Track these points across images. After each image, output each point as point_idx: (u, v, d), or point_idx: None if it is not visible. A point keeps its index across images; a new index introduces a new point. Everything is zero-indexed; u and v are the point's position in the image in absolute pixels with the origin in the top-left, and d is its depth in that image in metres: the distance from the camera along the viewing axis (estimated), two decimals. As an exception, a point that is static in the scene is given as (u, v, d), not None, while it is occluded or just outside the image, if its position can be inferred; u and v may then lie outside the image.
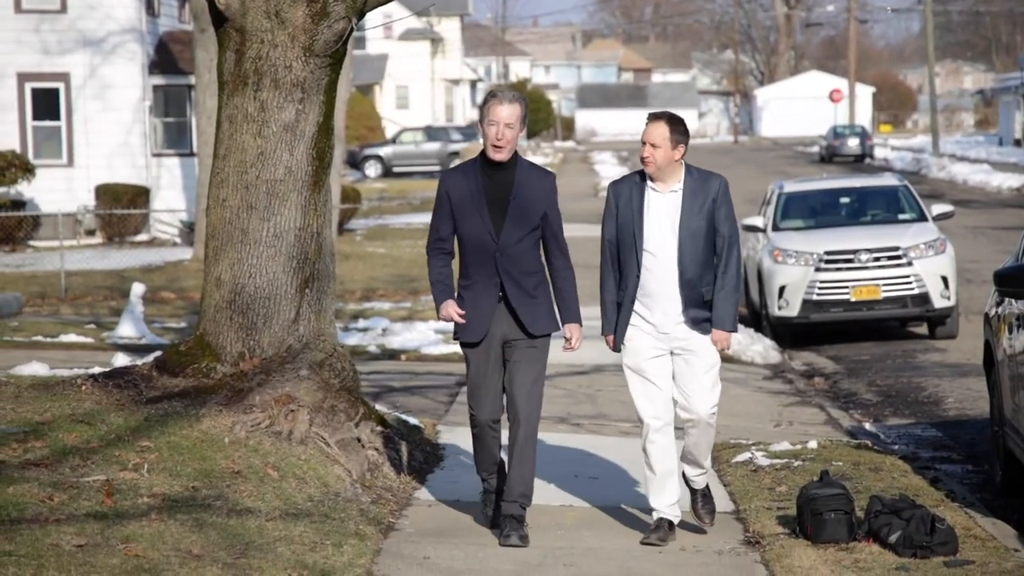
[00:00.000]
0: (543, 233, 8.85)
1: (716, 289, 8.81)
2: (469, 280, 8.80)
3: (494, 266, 8.72)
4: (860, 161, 69.30)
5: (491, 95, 8.81)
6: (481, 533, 8.97)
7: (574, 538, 8.98)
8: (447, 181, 8.86)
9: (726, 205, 8.85)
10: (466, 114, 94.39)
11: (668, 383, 8.86)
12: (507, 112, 8.66)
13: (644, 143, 8.77)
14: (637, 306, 8.83)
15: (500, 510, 8.86)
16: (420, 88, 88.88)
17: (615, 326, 8.90)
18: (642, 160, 8.77)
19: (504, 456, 9.02)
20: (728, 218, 8.84)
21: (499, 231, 8.70)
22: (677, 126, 8.78)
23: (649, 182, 8.83)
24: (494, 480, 9.07)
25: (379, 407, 11.50)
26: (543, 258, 8.92)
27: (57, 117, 36.63)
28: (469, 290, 8.79)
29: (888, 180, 22.52)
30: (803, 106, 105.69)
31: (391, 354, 18.73)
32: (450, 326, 9.03)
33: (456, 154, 64.69)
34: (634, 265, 8.80)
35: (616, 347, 8.92)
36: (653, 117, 8.87)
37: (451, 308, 8.74)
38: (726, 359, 11.76)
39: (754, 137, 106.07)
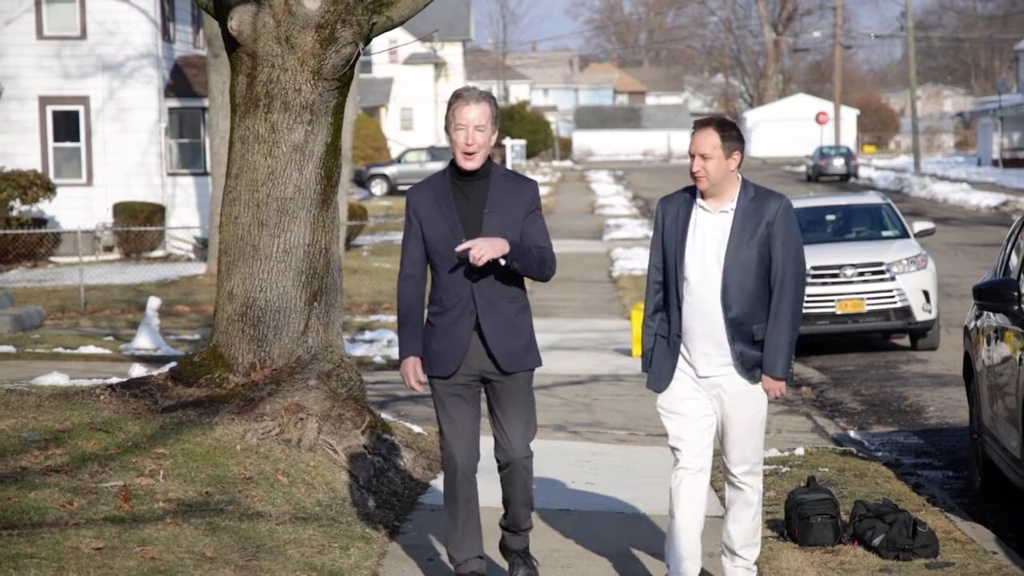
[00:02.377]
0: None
1: (768, 329, 7.29)
2: (441, 307, 7.37)
3: (468, 290, 7.31)
4: (845, 180, 69.37)
5: (456, 96, 7.36)
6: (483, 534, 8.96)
7: (571, 542, 8.97)
8: (413, 197, 7.42)
9: (785, 230, 7.30)
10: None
11: (707, 423, 7.47)
12: (476, 113, 7.28)
13: (692, 156, 7.34)
14: (680, 345, 7.42)
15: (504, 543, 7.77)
16: (424, 110, 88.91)
17: (651, 362, 7.48)
18: (693, 176, 7.35)
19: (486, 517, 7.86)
20: (787, 246, 7.29)
21: None
22: (729, 131, 7.35)
23: (699, 199, 7.40)
24: (476, 564, 7.56)
25: (384, 415, 11.49)
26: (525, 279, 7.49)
27: (77, 138, 36.66)
28: (441, 317, 7.38)
29: (872, 199, 22.50)
30: (791, 128, 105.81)
31: (396, 364, 18.72)
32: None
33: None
34: (675, 296, 7.36)
35: (654, 387, 7.51)
36: (700, 124, 7.41)
37: (411, 371, 7.39)
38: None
39: (744, 157, 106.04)
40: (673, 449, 7.51)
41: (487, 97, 7.35)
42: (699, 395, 7.42)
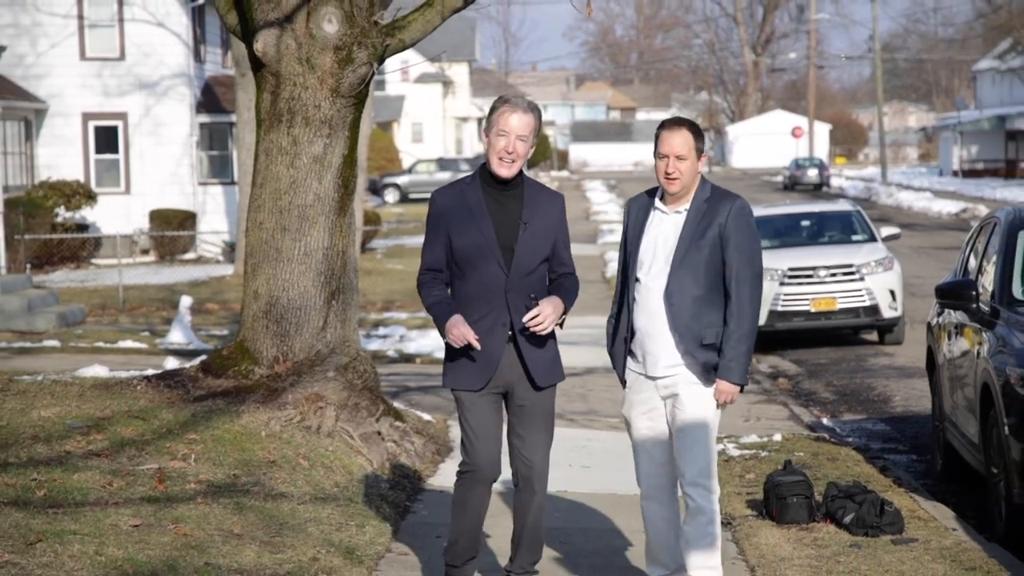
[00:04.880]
0: (551, 263, 6.65)
1: (725, 333, 6.56)
2: (469, 319, 6.50)
3: (504, 302, 6.48)
4: (818, 189, 69.30)
5: (502, 101, 6.58)
6: (488, 515, 8.93)
7: (569, 519, 8.96)
8: (442, 201, 6.60)
9: (739, 232, 6.56)
10: (473, 148, 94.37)
11: (663, 443, 6.78)
12: (520, 122, 6.50)
13: (665, 156, 6.57)
14: (632, 344, 6.77)
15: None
16: (433, 125, 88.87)
17: (617, 363, 6.86)
18: (665, 178, 6.59)
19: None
20: (741, 249, 6.55)
21: (510, 261, 6.49)
22: (698, 132, 6.63)
23: (657, 200, 6.71)
24: (470, 568, 6.91)
25: (397, 404, 11.48)
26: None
27: (116, 151, 36.67)
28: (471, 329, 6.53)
29: (843, 206, 22.50)
30: (769, 141, 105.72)
31: (407, 358, 18.71)
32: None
33: (464, 183, 64.28)
34: (629, 296, 6.72)
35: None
36: (672, 124, 6.64)
37: (464, 328, 6.46)
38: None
39: (726, 168, 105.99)
40: (635, 467, 6.92)
41: (534, 108, 6.57)
42: (652, 401, 6.72)
